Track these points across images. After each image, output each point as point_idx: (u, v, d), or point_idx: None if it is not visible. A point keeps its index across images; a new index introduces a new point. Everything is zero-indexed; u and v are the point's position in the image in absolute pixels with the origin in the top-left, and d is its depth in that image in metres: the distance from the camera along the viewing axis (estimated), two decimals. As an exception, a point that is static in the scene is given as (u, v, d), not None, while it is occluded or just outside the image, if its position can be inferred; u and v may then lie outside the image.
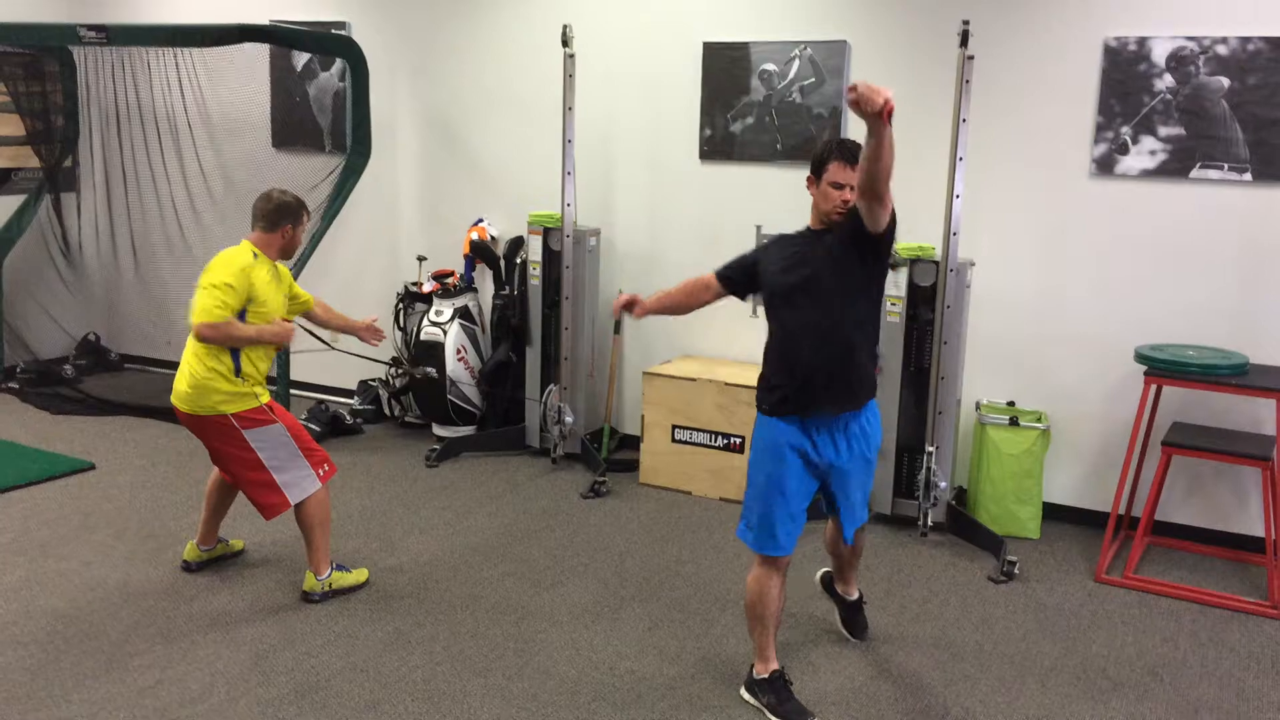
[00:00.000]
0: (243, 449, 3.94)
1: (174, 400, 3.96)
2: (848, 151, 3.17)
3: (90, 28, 6.19)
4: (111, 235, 7.52)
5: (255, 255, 3.96)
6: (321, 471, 4.08)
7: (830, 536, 3.68)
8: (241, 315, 3.89)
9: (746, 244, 5.51)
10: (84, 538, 4.66)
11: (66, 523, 4.82)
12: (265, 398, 3.98)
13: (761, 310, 5.52)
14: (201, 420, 3.92)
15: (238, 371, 3.90)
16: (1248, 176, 4.59)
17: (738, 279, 3.51)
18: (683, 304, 3.66)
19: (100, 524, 4.82)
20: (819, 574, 4.01)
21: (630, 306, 3.66)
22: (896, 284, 4.84)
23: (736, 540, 4.79)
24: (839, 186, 3.18)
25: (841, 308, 3.24)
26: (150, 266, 7.39)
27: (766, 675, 3.40)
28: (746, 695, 3.46)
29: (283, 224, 4.02)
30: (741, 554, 4.65)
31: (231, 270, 3.86)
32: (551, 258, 5.74)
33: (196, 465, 5.51)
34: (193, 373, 3.87)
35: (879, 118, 2.78)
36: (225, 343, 3.87)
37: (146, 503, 5.09)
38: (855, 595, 3.88)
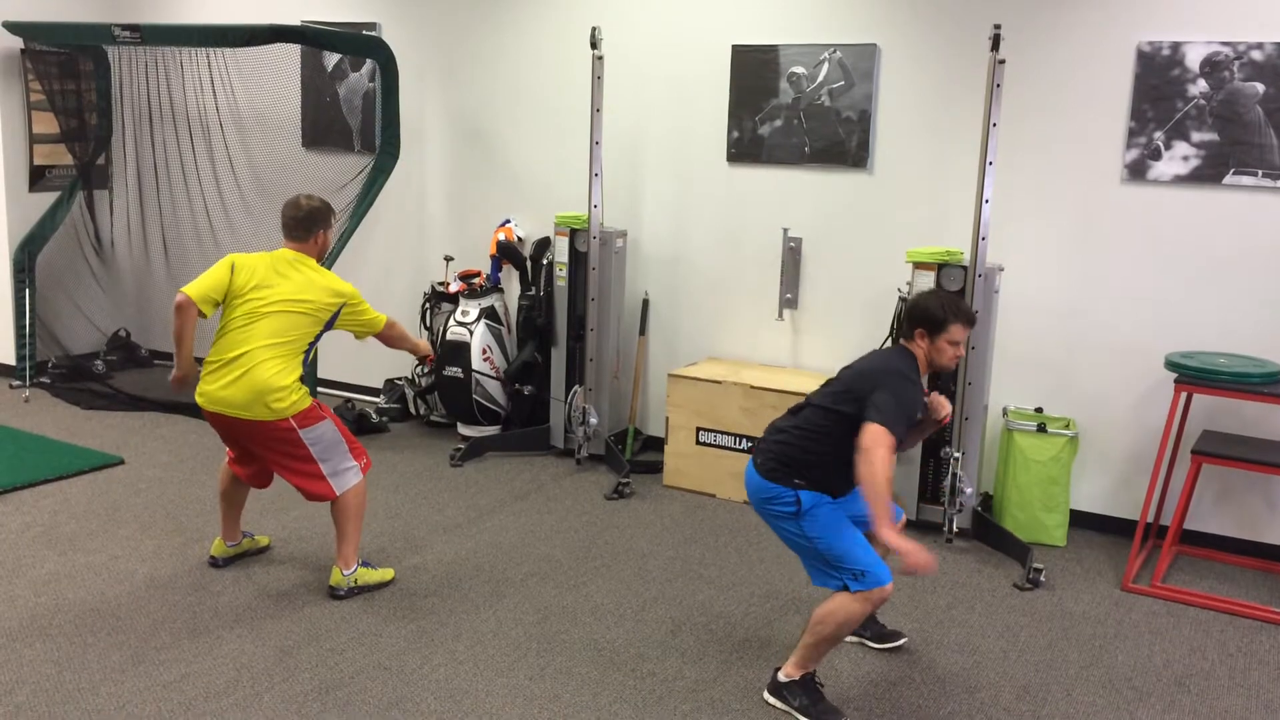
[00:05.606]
0: (298, 447, 3.97)
1: (222, 409, 3.93)
2: (966, 315, 3.48)
3: (124, 27, 6.26)
4: (143, 232, 7.59)
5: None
6: (362, 463, 4.15)
7: None
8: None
9: (773, 247, 5.54)
10: (112, 532, 4.70)
11: (95, 517, 4.87)
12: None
13: (788, 314, 5.57)
14: (259, 425, 3.93)
15: (302, 377, 3.97)
16: (1282, 183, 4.55)
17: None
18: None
19: (128, 518, 4.86)
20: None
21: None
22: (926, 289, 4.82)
23: (760, 542, 4.78)
24: (955, 345, 3.45)
25: None
26: (181, 264, 7.45)
27: (798, 677, 3.39)
28: (772, 699, 3.45)
29: (315, 230, 4.08)
30: (765, 556, 4.64)
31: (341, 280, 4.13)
32: (578, 259, 5.75)
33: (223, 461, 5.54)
34: (262, 382, 3.86)
35: (938, 424, 3.57)
36: (396, 343, 4.31)
37: (174, 498, 5.14)
38: None
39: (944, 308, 3.44)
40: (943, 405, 3.53)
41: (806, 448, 3.36)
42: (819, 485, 3.34)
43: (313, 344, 4.05)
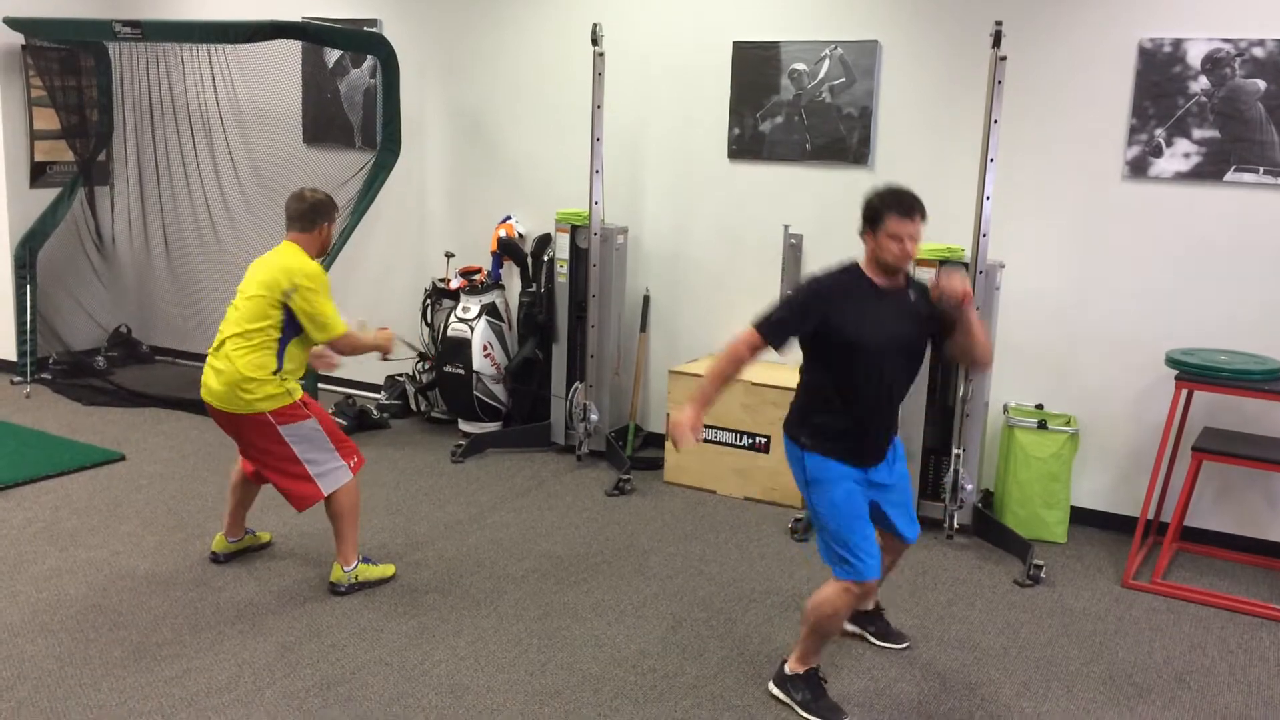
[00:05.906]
0: (278, 444, 3.96)
1: (207, 398, 3.97)
2: (903, 205, 3.17)
3: (125, 23, 6.26)
4: (144, 229, 7.59)
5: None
6: (352, 463, 4.12)
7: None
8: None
9: (774, 243, 5.54)
10: (113, 528, 4.71)
11: (96, 513, 4.87)
12: (299, 393, 4.01)
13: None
14: (237, 418, 3.94)
15: (278, 371, 3.92)
16: (1283, 180, 4.55)
17: (789, 334, 3.29)
18: (730, 378, 3.37)
19: (130, 514, 4.87)
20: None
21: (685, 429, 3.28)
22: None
23: (761, 539, 4.79)
24: (897, 239, 3.17)
25: (911, 371, 3.37)
26: (181, 260, 7.47)
27: (802, 671, 3.40)
28: (775, 690, 3.46)
29: (319, 222, 4.06)
30: (765, 552, 4.65)
31: (323, 275, 3.97)
32: (579, 255, 5.75)
33: (225, 457, 5.55)
34: (234, 373, 3.86)
35: (959, 306, 3.19)
36: (352, 352, 4.18)
37: (175, 494, 5.14)
38: (871, 605, 3.88)
39: (880, 198, 3.18)
40: (949, 285, 3.18)
41: (799, 389, 3.41)
42: (826, 440, 3.27)
43: (286, 333, 3.93)
